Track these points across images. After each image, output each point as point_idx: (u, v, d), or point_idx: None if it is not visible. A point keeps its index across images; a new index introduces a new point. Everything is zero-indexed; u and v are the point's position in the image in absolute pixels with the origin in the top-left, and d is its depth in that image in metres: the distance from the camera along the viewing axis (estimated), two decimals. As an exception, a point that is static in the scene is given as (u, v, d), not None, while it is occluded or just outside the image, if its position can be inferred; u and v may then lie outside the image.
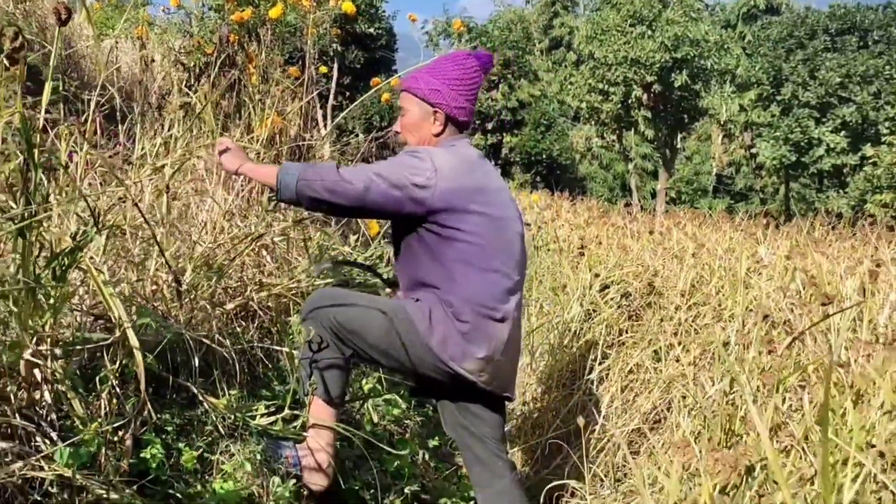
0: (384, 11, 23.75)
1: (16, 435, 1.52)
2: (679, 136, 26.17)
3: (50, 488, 1.48)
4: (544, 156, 26.84)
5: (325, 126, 5.82)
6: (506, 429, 3.48)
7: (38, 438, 1.54)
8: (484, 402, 2.15)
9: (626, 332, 4.11)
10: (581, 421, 2.64)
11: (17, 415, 1.54)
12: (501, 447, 2.21)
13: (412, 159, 2.02)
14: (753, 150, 25.37)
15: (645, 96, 22.26)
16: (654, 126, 23.78)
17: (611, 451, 3.23)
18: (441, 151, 2.07)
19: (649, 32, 21.30)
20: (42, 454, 1.47)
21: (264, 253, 2.95)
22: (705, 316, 3.92)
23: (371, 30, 22.94)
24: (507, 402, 2.27)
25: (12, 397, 1.56)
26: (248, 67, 4.07)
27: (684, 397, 2.90)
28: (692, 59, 21.10)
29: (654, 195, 26.44)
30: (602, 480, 3.01)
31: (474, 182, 2.06)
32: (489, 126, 27.56)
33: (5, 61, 1.65)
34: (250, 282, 2.58)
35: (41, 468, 1.46)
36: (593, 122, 25.23)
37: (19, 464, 1.44)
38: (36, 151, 1.56)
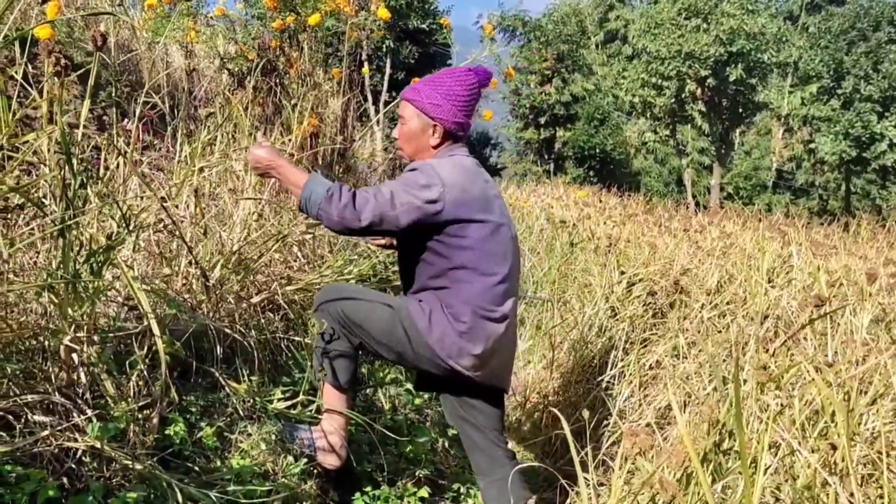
0: (437, 6, 23.88)
1: (56, 410, 1.74)
2: (736, 130, 25.63)
3: (83, 458, 1.69)
4: (597, 150, 26.66)
5: (376, 121, 6.00)
6: (521, 421, 3.61)
7: (74, 414, 1.75)
8: (482, 396, 2.29)
9: (650, 330, 4.19)
10: (586, 414, 2.75)
11: (57, 393, 1.76)
12: (500, 437, 2.34)
13: (420, 177, 2.13)
14: (813, 146, 24.68)
15: (699, 91, 21.88)
16: (709, 120, 23.35)
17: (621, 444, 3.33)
18: (444, 164, 2.18)
19: (704, 26, 20.92)
20: (76, 427, 1.69)
21: (295, 249, 3.15)
22: (727, 315, 3.97)
23: (424, 25, 23.13)
24: (505, 394, 2.40)
25: (53, 377, 1.78)
26: (289, 72, 4.28)
27: (689, 395, 2.98)
28: (748, 52, 20.63)
29: (710, 191, 25.98)
30: (614, 472, 3.12)
31: (477, 192, 2.19)
32: (542, 120, 27.51)
33: (55, 80, 1.87)
34: (277, 277, 2.78)
35: (75, 440, 1.67)
36: (647, 117, 24.90)
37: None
38: (74, 161, 1.77)
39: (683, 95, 22.41)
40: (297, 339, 2.63)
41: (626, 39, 27.76)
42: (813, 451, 1.89)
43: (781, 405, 2.23)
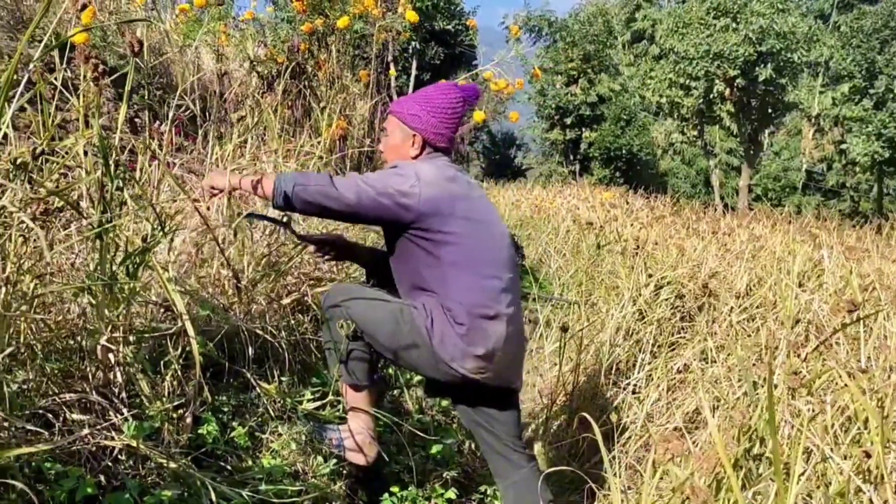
0: (463, 7, 23.89)
1: (93, 409, 1.78)
2: (766, 131, 25.32)
3: (119, 456, 1.73)
4: (624, 151, 26.50)
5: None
6: (547, 423, 3.61)
7: (111, 413, 1.79)
8: (493, 399, 2.27)
9: (678, 333, 4.17)
10: (614, 417, 2.75)
11: (94, 392, 1.79)
12: (517, 441, 2.33)
13: (396, 170, 2.18)
14: (844, 146, 24.28)
15: (727, 91, 21.64)
16: (738, 121, 23.09)
17: (652, 449, 3.31)
18: (422, 164, 2.22)
19: (734, 25, 20.68)
20: (113, 425, 1.72)
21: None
22: (757, 319, 3.94)
23: (450, 26, 23.16)
24: (517, 394, 2.39)
25: (90, 377, 1.82)
26: (318, 75, 4.33)
27: (718, 399, 2.96)
28: (778, 52, 20.36)
29: (738, 192, 25.70)
30: (642, 476, 3.11)
31: (456, 189, 2.21)
32: (568, 121, 27.41)
33: (91, 85, 1.91)
34: (306, 278, 2.81)
35: (112, 438, 1.70)
36: (674, 117, 24.69)
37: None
38: (111, 165, 1.81)
39: (712, 96, 22.17)
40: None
41: (654, 39, 27.56)
42: (846, 458, 1.87)
43: (814, 411, 2.21)
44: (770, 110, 22.86)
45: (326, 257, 2.52)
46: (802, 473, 1.76)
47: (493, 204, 2.37)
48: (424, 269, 2.16)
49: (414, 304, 2.17)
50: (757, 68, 20.97)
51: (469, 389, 2.24)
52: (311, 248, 2.51)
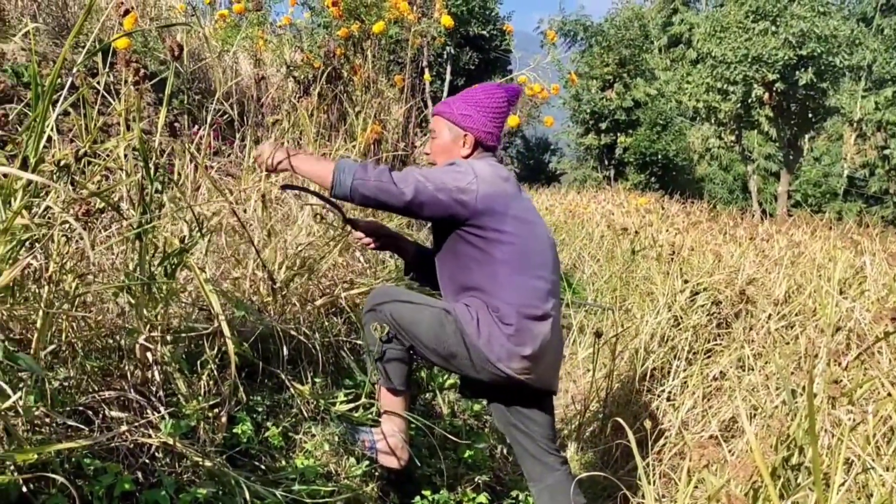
0: (498, 12, 23.91)
1: (131, 407, 1.81)
2: (806, 136, 24.85)
3: (156, 453, 1.75)
4: (660, 156, 26.23)
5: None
6: (580, 429, 3.58)
7: (148, 411, 1.82)
8: (532, 401, 2.28)
9: (714, 340, 4.11)
10: (648, 424, 2.71)
11: (132, 390, 1.82)
12: (551, 444, 2.32)
13: (454, 167, 2.19)
14: (887, 151, 23.72)
15: (766, 95, 21.29)
16: (777, 126, 22.70)
17: (687, 457, 3.27)
18: (478, 162, 2.23)
19: (773, 28, 20.34)
20: (150, 423, 1.75)
21: (357, 253, 3.20)
22: (796, 326, 3.87)
23: (485, 31, 23.18)
24: (553, 397, 2.38)
25: (129, 375, 1.85)
26: (353, 79, 4.36)
27: (755, 407, 2.91)
28: (819, 55, 19.97)
29: (777, 198, 25.26)
30: (676, 484, 3.07)
31: (510, 189, 2.22)
32: (603, 126, 27.22)
33: (132, 89, 1.95)
34: (340, 280, 2.83)
35: (149, 435, 1.73)
36: (711, 122, 24.36)
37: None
38: (151, 168, 1.84)
39: (750, 100, 21.81)
40: (359, 342, 2.67)
41: (691, 43, 27.22)
42: (888, 469, 1.82)
43: (854, 421, 2.16)
44: (810, 115, 22.42)
45: (371, 246, 2.54)
46: (842, 484, 1.72)
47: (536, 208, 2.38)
48: (475, 266, 2.17)
49: (458, 304, 2.18)
50: (797, 72, 20.59)
51: (510, 390, 2.24)
52: (358, 234, 2.53)
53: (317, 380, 2.37)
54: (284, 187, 2.55)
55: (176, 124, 3.99)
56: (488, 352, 2.12)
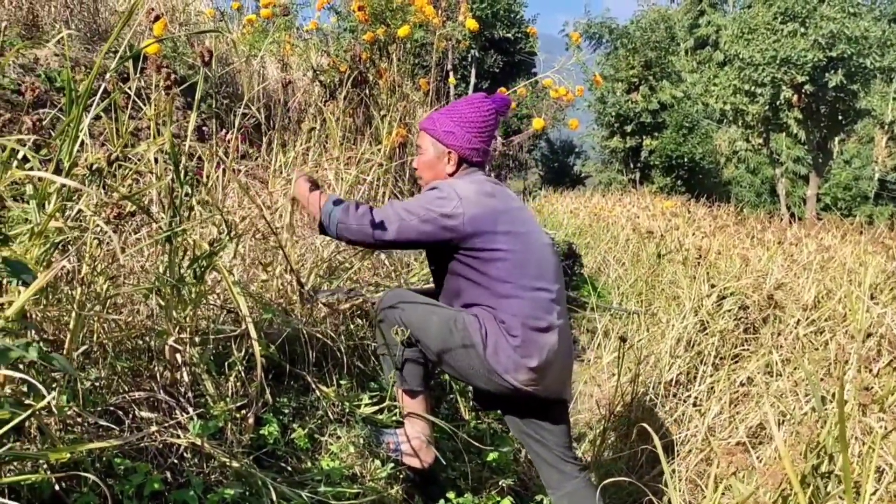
0: (522, 15, 23.89)
1: (160, 407, 1.83)
2: (835, 139, 24.49)
3: (184, 454, 1.77)
4: (686, 159, 25.99)
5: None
6: (605, 434, 3.56)
7: (177, 412, 1.84)
8: (544, 411, 2.26)
9: (741, 345, 4.06)
10: (674, 429, 2.70)
11: (161, 391, 1.85)
12: (568, 452, 2.30)
13: (436, 193, 2.18)
14: (920, 155, 23.31)
15: (795, 97, 21.01)
16: (806, 128, 22.39)
17: (714, 463, 3.24)
18: (460, 182, 2.22)
19: (802, 30, 20.08)
20: (179, 424, 1.77)
21: (382, 257, 3.22)
22: (825, 332, 3.81)
23: (509, 34, 23.17)
24: (568, 405, 2.36)
25: (158, 376, 1.88)
26: (379, 83, 4.38)
27: (783, 414, 2.87)
28: (849, 57, 19.67)
29: (805, 201, 24.91)
30: (703, 490, 3.04)
31: (497, 203, 2.20)
32: (628, 129, 27.05)
33: (162, 94, 1.98)
34: (365, 284, 2.84)
35: (178, 436, 1.75)
36: (738, 125, 24.10)
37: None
38: (181, 171, 1.86)
39: (778, 102, 21.55)
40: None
41: (718, 45, 26.97)
42: (921, 479, 1.79)
43: (886, 428, 2.13)
44: (840, 117, 22.10)
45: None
46: (874, 493, 1.70)
47: (532, 214, 2.36)
48: (473, 286, 2.16)
49: (467, 315, 2.17)
50: (826, 74, 20.30)
51: (519, 401, 2.23)
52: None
53: (342, 382, 2.39)
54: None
55: (204, 128, 4.06)
56: (495, 363, 2.10)
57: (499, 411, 3.07)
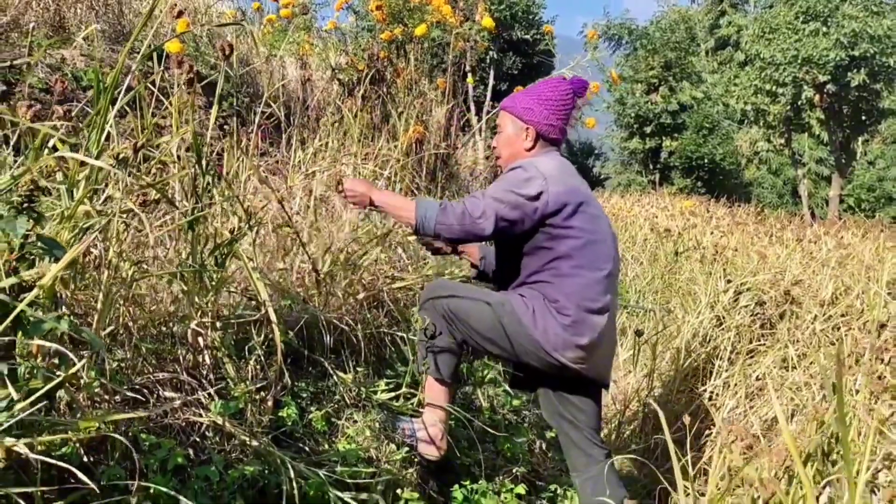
0: (541, 17, 23.86)
1: (183, 388, 1.90)
2: (859, 139, 24.21)
3: (206, 432, 1.84)
4: (706, 160, 25.79)
5: (478, 130, 6.12)
6: (620, 428, 3.59)
7: (199, 393, 1.91)
8: (582, 392, 2.33)
9: (757, 340, 4.07)
10: (687, 420, 2.71)
11: (184, 372, 1.92)
12: (597, 435, 2.37)
13: (520, 173, 2.22)
14: (945, 155, 22.97)
15: (817, 97, 20.81)
16: (828, 129, 22.16)
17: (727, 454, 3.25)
18: (542, 159, 2.28)
19: (824, 29, 19.89)
20: (200, 403, 1.84)
21: (399, 250, 3.27)
22: (842, 327, 3.81)
23: (528, 36, 23.15)
24: (605, 390, 2.42)
25: (181, 358, 1.94)
26: (396, 81, 4.44)
27: (797, 405, 2.89)
28: (872, 56, 19.45)
29: (828, 202, 24.64)
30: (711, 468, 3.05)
31: (578, 184, 2.28)
32: (647, 130, 26.91)
33: (183, 88, 2.05)
34: (382, 275, 2.90)
35: (200, 415, 1.82)
36: (759, 125, 23.89)
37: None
38: (204, 162, 1.93)
39: (800, 102, 21.35)
40: (400, 334, 2.73)
41: (739, 45, 26.77)
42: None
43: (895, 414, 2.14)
44: (864, 117, 21.85)
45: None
46: (873, 468, 1.72)
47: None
48: (538, 260, 2.23)
49: (513, 295, 2.25)
50: (849, 73, 20.09)
51: (563, 380, 2.30)
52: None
53: (359, 369, 2.44)
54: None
55: (226, 126, 4.14)
56: (544, 342, 2.17)
57: (523, 398, 3.14)
